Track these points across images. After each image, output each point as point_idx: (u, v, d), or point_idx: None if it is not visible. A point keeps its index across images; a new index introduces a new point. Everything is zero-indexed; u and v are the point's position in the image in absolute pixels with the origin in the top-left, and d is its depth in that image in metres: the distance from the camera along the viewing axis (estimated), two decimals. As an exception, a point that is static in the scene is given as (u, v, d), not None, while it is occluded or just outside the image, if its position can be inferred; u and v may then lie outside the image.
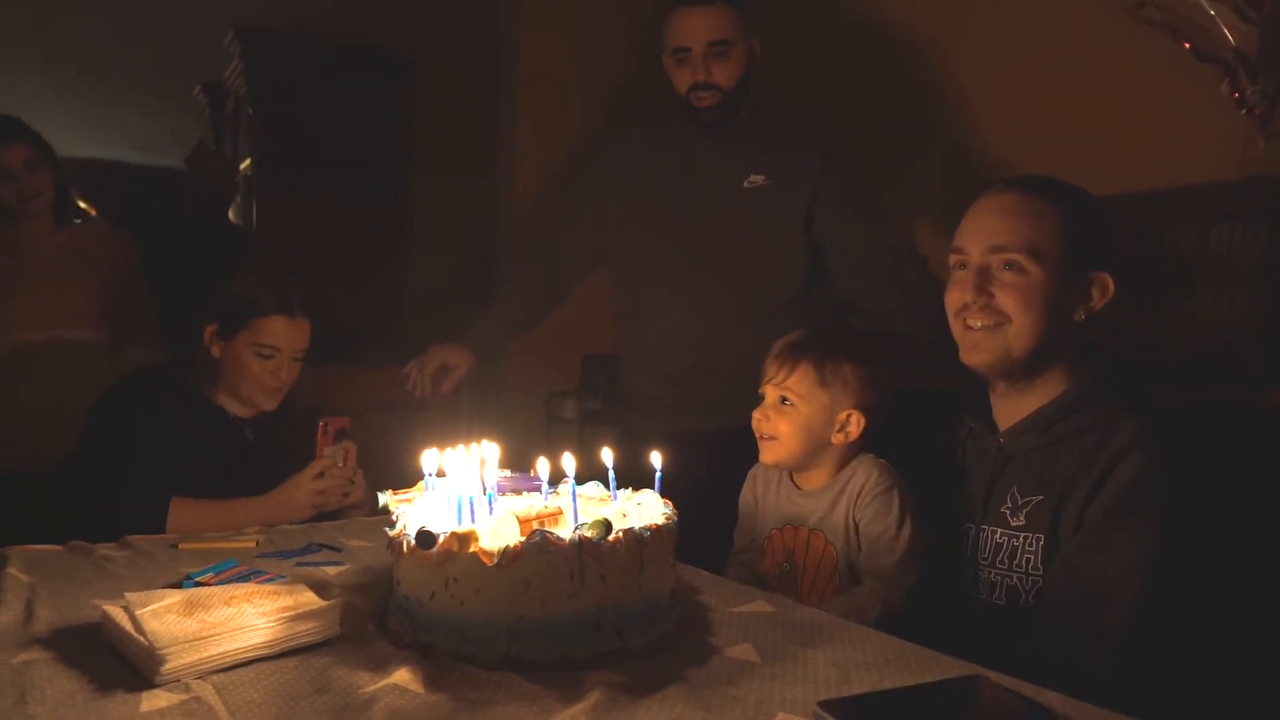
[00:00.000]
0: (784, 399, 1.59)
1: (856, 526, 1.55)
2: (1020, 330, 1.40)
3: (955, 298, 1.47)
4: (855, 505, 1.55)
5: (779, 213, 2.19)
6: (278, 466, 1.95)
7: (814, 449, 1.60)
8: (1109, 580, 1.27)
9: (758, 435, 1.64)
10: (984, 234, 1.43)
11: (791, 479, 1.66)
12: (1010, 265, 1.40)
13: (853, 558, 1.55)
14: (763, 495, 1.70)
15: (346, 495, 1.95)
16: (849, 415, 1.58)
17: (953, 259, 1.49)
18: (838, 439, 1.59)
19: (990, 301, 1.41)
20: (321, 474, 1.91)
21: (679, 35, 2.15)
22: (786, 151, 2.20)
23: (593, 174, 2.41)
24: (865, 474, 1.57)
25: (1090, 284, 1.42)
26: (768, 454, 1.63)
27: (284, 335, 1.96)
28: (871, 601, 1.46)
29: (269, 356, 1.95)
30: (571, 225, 2.40)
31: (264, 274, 2.03)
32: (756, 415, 1.63)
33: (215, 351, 1.98)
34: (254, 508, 1.85)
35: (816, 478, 1.62)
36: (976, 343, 1.44)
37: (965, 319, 1.45)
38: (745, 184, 2.19)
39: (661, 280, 2.24)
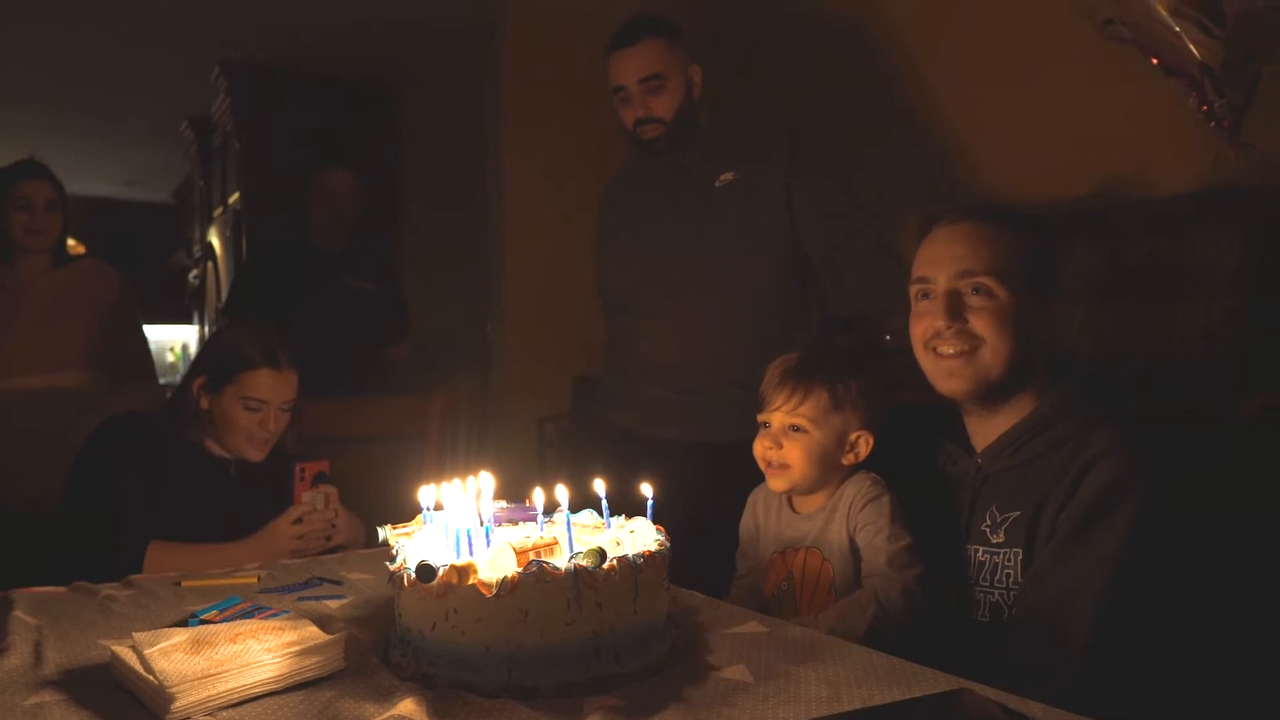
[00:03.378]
0: (795, 426, 1.59)
1: (853, 540, 1.57)
2: (996, 352, 1.42)
3: (925, 327, 1.48)
4: (849, 517, 1.57)
5: (755, 201, 2.22)
6: (264, 504, 1.96)
7: (825, 472, 1.61)
8: (1074, 585, 1.30)
9: (764, 464, 1.64)
10: (950, 260, 1.45)
11: (790, 503, 1.67)
12: (979, 289, 1.43)
13: (849, 572, 1.56)
14: (763, 520, 1.71)
15: (328, 539, 1.95)
16: (859, 436, 1.60)
17: (915, 289, 1.50)
18: (848, 460, 1.60)
19: (964, 326, 1.43)
20: (300, 519, 1.91)
21: (615, 76, 2.25)
22: (752, 144, 2.26)
23: (597, 230, 2.49)
24: (855, 486, 1.59)
25: (1048, 305, 1.46)
26: (779, 482, 1.62)
27: (271, 388, 1.98)
28: (868, 598, 1.47)
29: (256, 409, 1.97)
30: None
31: (251, 327, 2.05)
32: (764, 444, 1.63)
33: (204, 403, 2.00)
34: (231, 554, 1.85)
35: (815, 500, 1.63)
36: (952, 370, 1.45)
37: (936, 347, 1.46)
38: (717, 184, 2.23)
39: (651, 288, 2.27)
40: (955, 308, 1.44)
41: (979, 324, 1.42)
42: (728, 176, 2.22)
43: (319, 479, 1.96)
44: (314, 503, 1.93)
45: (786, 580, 1.62)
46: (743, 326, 2.20)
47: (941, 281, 1.46)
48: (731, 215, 2.21)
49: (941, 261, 1.46)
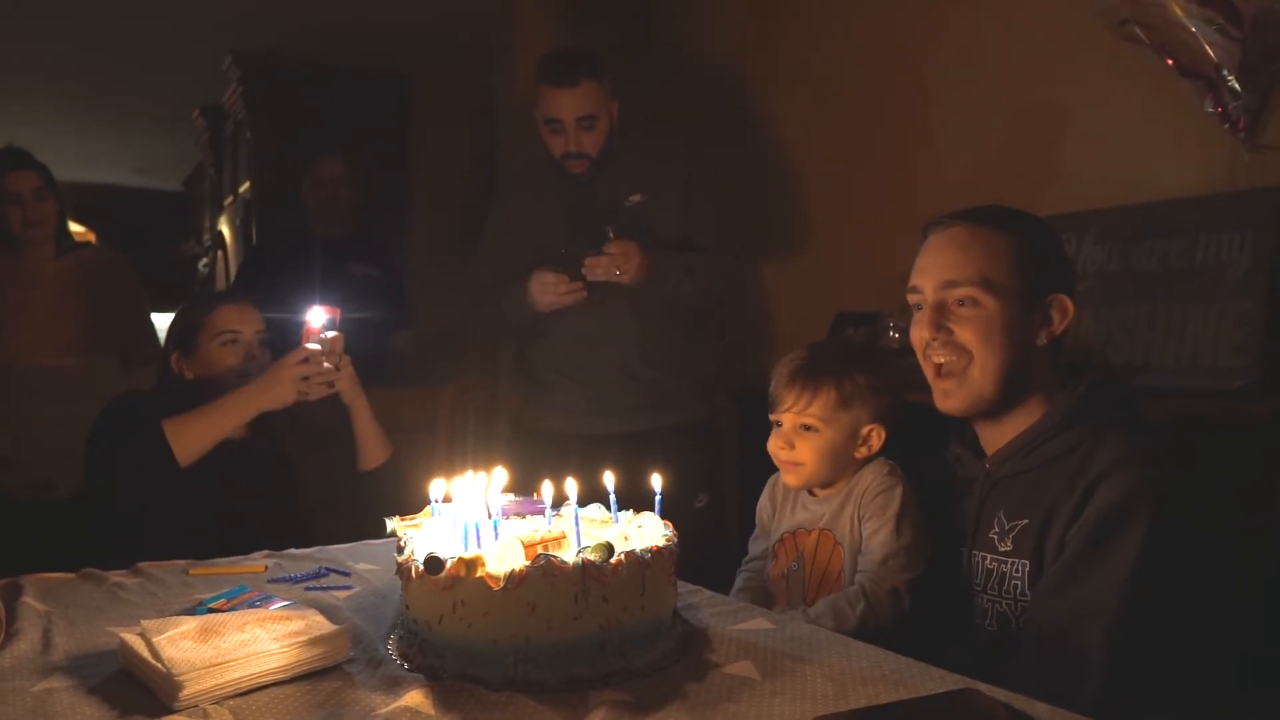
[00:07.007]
0: (806, 426, 1.60)
1: (860, 526, 1.57)
2: (985, 366, 1.40)
3: (917, 336, 1.48)
4: (860, 504, 1.58)
5: (659, 219, 2.49)
6: (265, 481, 2.00)
7: (838, 466, 1.62)
8: (1088, 603, 1.27)
9: (777, 461, 1.65)
10: (936, 270, 1.44)
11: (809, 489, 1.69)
12: (965, 300, 1.41)
13: (858, 558, 1.57)
14: (781, 503, 1.72)
15: (331, 385, 2.01)
16: (870, 430, 1.60)
17: (910, 298, 1.50)
18: (861, 453, 1.61)
19: (950, 337, 1.42)
20: (306, 360, 1.96)
21: (550, 108, 2.43)
22: (657, 168, 2.54)
23: (501, 221, 2.66)
24: (872, 474, 1.60)
25: (1049, 308, 1.42)
26: (793, 478, 1.64)
27: (239, 318, 2.05)
28: (856, 595, 1.48)
29: (234, 341, 2.03)
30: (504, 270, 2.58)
31: (196, 297, 2.10)
32: (777, 443, 1.64)
33: (188, 374, 2.04)
34: (238, 399, 1.92)
35: (834, 486, 1.64)
36: (948, 390, 1.44)
37: (930, 356, 1.46)
38: (627, 204, 2.48)
39: (569, 310, 2.43)
40: (940, 319, 1.43)
41: (965, 334, 1.41)
42: (636, 198, 2.48)
43: (328, 324, 2.00)
44: (322, 345, 1.98)
45: (797, 560, 1.63)
46: (652, 325, 2.47)
47: (929, 291, 1.45)
48: (639, 232, 2.42)
49: (929, 271, 1.46)
